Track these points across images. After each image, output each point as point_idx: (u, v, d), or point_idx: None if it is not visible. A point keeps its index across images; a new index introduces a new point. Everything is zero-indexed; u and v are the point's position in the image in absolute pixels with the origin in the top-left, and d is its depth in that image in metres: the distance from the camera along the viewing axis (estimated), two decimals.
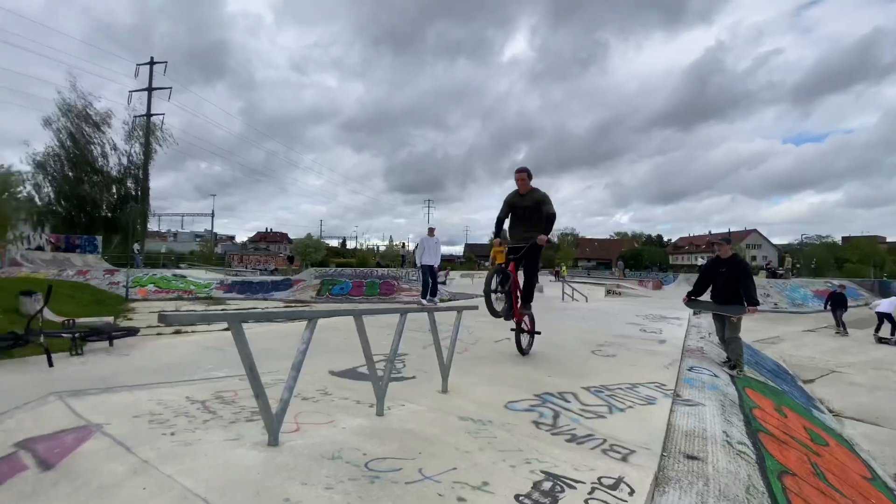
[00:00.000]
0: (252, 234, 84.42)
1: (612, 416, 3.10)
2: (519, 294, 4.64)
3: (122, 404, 2.40)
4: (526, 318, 4.99)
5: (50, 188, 31.10)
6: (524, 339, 4.89)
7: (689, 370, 4.59)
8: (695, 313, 7.71)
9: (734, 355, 5.08)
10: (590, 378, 3.94)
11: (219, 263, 39.72)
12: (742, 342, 5.21)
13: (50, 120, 30.62)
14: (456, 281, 25.31)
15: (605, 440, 2.61)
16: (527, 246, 4.51)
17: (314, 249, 51.78)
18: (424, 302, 10.23)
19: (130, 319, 10.61)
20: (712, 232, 72.35)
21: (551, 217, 4.48)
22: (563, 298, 13.54)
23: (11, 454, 1.93)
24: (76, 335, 4.31)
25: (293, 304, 15.87)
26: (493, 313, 4.32)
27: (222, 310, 14.08)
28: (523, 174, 4.66)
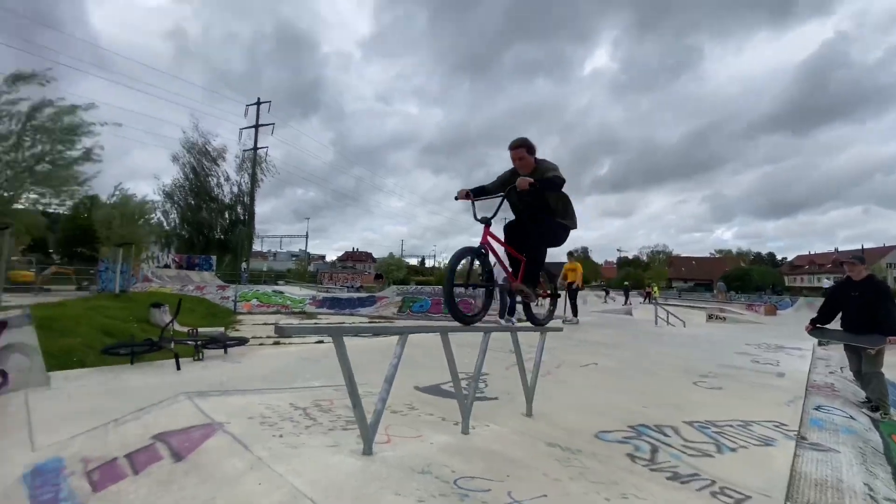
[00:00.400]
0: (340, 253, 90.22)
1: (722, 455, 2.78)
2: (506, 265, 3.55)
3: (238, 406, 2.67)
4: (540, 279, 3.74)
5: (175, 214, 36.35)
6: (538, 307, 3.87)
7: (817, 409, 3.97)
8: (820, 343, 6.69)
9: (875, 395, 4.30)
10: (692, 412, 3.58)
11: (311, 281, 42.95)
12: (885, 379, 4.40)
13: (176, 156, 36.10)
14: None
15: (713, 482, 2.35)
16: (519, 214, 3.36)
17: (396, 268, 53.96)
18: (503, 322, 10.12)
19: (238, 330, 11.80)
20: (839, 249, 62.69)
21: (555, 179, 3.17)
22: (656, 322, 12.55)
23: (149, 445, 2.23)
24: (198, 343, 4.94)
25: (377, 320, 16.58)
26: (457, 316, 2.98)
27: (315, 323, 15.13)
28: (521, 150, 3.33)
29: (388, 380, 2.31)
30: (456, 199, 3.50)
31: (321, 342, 7.46)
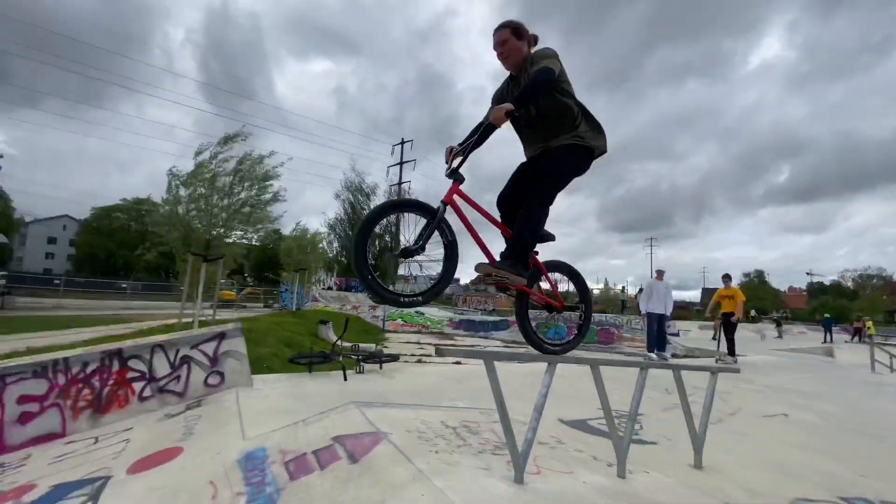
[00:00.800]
0: (474, 276, 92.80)
1: None
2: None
3: (397, 418, 2.90)
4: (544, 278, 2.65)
5: (337, 244, 42.20)
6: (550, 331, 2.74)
7: None
8: None
9: None
10: None
11: (447, 303, 45.05)
12: None
13: (338, 194, 42.36)
14: (693, 333, 21.78)
15: None
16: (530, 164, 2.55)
17: None
18: (653, 356, 9.12)
19: (387, 347, 12.92)
20: None
21: (537, 76, 2.22)
22: (873, 368, 9.85)
23: (330, 446, 2.56)
24: (360, 357, 5.57)
25: (511, 345, 16.48)
26: (376, 291, 2.16)
27: (451, 344, 15.74)
28: (504, 31, 2.44)
29: (538, 409, 2.27)
30: (447, 171, 2.46)
31: (458, 363, 7.71)
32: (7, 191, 41.53)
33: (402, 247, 2.32)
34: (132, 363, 4.23)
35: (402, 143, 40.69)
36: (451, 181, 2.44)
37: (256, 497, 2.19)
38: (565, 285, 3.13)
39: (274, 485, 2.29)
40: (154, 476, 2.74)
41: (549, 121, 2.52)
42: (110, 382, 4.13)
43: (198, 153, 9.10)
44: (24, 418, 3.78)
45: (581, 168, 2.60)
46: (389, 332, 19.41)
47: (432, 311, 25.33)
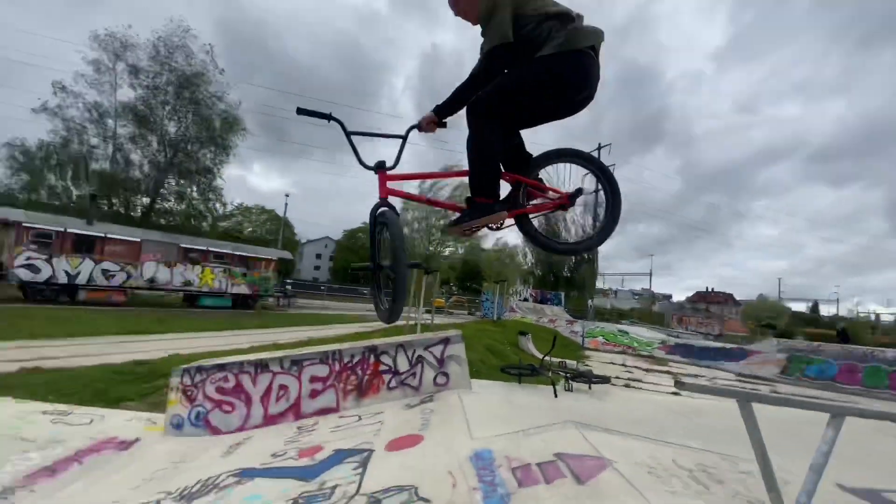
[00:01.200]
0: (690, 293, 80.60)
1: None
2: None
3: (620, 447, 2.78)
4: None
5: (531, 256, 42.84)
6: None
7: None
8: None
9: None
10: None
11: (657, 322, 40.40)
12: None
13: None
14: None
15: None
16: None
17: (774, 315, 42.91)
18: None
19: (588, 366, 12.40)
20: None
21: (471, 77, 2.05)
22: None
23: (553, 461, 2.62)
24: (568, 375, 5.54)
25: (749, 380, 13.59)
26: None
27: (666, 371, 14.02)
28: None
29: (816, 469, 1.86)
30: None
31: (677, 394, 6.80)
32: (292, 220, 56.98)
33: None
34: (383, 358, 5.22)
35: (599, 147, 38.82)
36: (376, 176, 2.33)
37: (490, 495, 2.41)
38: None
39: (504, 487, 2.49)
40: (404, 456, 3.30)
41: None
42: (368, 372, 5.19)
43: (421, 183, 10.75)
44: (313, 394, 5.07)
45: (559, 73, 2.07)
46: (589, 349, 18.57)
47: (640, 331, 23.08)
